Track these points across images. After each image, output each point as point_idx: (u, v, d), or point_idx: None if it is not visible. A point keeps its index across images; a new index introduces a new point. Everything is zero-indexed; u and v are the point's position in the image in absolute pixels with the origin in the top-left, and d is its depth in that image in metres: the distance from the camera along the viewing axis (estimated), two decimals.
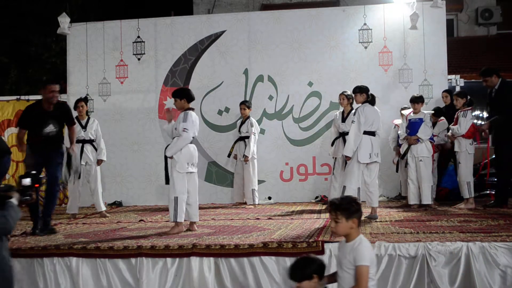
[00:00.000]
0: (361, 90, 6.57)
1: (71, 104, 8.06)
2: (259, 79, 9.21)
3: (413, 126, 7.47)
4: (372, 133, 6.46)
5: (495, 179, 7.66)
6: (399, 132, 7.89)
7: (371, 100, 6.53)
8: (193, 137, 5.83)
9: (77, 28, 9.56)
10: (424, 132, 7.38)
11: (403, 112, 7.95)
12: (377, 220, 6.25)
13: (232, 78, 9.24)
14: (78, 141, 7.52)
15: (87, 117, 7.79)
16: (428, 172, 7.40)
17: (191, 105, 5.97)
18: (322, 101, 9.02)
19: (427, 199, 7.30)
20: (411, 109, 7.61)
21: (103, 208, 7.72)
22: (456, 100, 7.49)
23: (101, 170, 7.95)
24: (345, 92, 7.79)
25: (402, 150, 7.69)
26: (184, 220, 5.83)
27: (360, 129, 6.37)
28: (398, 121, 8.14)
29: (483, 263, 4.38)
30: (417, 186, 7.41)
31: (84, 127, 7.62)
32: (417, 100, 7.53)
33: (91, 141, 7.68)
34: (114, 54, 9.53)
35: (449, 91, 8.38)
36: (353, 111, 7.09)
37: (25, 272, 4.93)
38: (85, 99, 8.11)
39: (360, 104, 6.56)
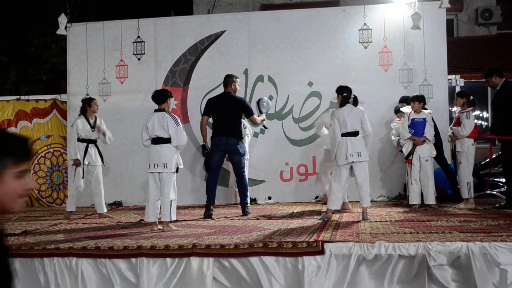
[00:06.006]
0: (339, 90, 6.57)
1: (71, 103, 8.02)
2: (259, 79, 9.20)
3: (417, 126, 7.42)
4: (351, 134, 6.39)
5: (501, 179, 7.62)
6: (400, 130, 7.67)
7: (354, 101, 6.50)
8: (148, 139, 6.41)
9: (77, 28, 9.54)
10: (430, 132, 7.38)
11: (402, 109, 7.89)
12: (377, 220, 6.24)
13: None
14: (83, 141, 7.51)
15: (94, 116, 7.75)
16: (432, 172, 7.39)
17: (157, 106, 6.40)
18: (322, 101, 9.00)
19: (431, 199, 7.30)
20: (410, 108, 7.58)
21: (105, 210, 7.67)
22: (456, 99, 7.49)
23: (101, 170, 7.94)
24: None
25: (405, 150, 7.61)
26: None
27: (336, 132, 6.40)
28: (407, 109, 7.70)
29: (483, 263, 4.37)
30: (420, 186, 7.41)
31: (93, 127, 7.59)
32: (413, 99, 7.51)
33: (94, 142, 7.65)
34: (114, 54, 9.52)
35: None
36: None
37: (25, 272, 4.93)
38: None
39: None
